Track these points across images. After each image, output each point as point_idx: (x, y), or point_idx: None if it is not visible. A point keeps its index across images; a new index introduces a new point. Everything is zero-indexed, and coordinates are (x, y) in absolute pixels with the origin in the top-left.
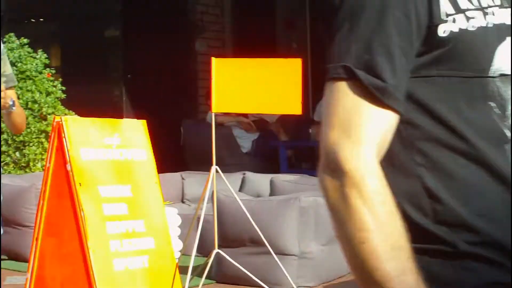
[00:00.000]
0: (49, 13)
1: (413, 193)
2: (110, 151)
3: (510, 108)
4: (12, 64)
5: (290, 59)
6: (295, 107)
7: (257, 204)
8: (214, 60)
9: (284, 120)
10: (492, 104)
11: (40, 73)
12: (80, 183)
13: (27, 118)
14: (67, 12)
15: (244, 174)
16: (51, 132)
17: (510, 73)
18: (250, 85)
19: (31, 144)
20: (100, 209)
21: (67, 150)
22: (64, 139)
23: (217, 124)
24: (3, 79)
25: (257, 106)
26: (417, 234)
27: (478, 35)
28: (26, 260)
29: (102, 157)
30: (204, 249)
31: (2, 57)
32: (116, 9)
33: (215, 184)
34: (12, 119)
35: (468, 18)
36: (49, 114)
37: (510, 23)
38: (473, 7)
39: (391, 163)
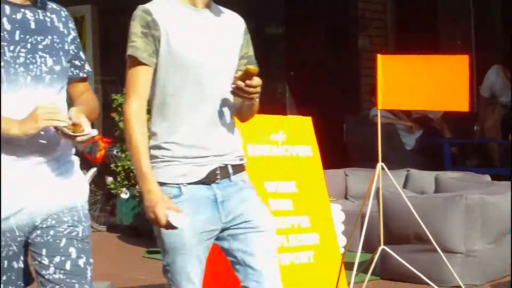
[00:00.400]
0: None
1: None
2: (276, 147)
3: None
4: None
5: (457, 55)
6: (462, 104)
7: (422, 201)
8: (379, 57)
9: (448, 116)
10: None
11: None
12: None
13: None
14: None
15: (408, 171)
16: None
17: None
18: (415, 82)
19: None
20: (266, 204)
21: None
22: None
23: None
24: (243, 61)
25: (423, 103)
26: None
27: None
28: None
29: (268, 153)
30: (367, 245)
31: (245, 36)
32: (278, 6)
33: (380, 181)
34: (252, 109)
35: None
36: None
37: None
38: None
39: None
